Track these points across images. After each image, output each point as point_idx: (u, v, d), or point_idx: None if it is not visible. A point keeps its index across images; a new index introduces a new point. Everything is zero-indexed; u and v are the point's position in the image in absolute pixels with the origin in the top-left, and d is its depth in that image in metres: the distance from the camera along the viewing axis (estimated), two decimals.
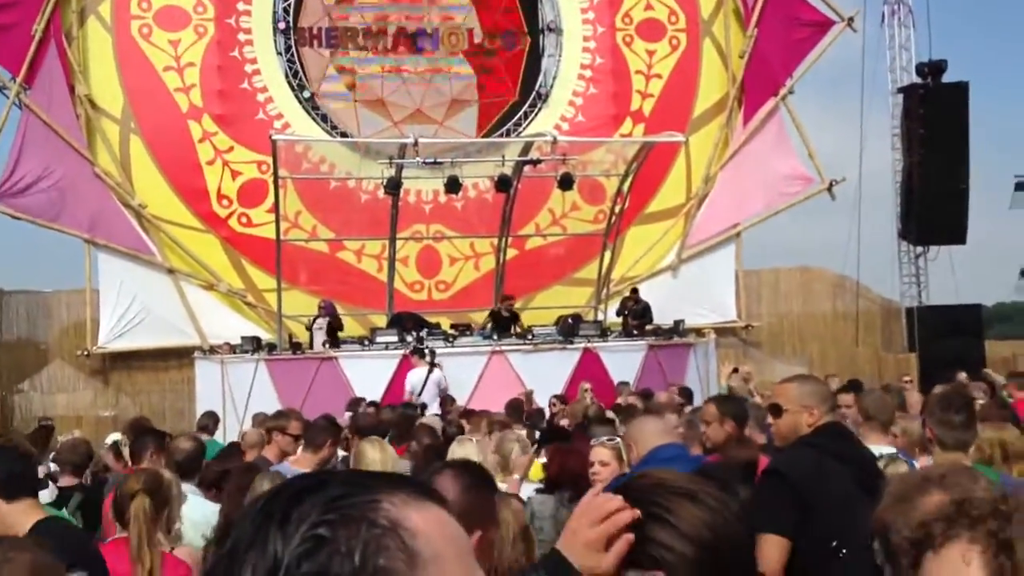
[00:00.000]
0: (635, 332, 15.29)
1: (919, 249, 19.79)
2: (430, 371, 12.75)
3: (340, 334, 15.08)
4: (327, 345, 14.12)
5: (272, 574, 0.79)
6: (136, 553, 3.55)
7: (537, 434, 7.96)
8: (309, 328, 14.55)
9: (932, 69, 18.99)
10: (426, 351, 13.11)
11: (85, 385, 16.67)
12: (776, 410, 3.90)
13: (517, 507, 3.32)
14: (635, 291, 16.44)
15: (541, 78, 18.62)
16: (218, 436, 9.95)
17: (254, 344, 14.25)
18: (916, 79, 19.21)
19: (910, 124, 18.92)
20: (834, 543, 3.42)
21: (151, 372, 16.74)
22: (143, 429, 6.26)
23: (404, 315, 15.06)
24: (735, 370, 8.13)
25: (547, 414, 10.60)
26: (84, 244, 16.48)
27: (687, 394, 11.14)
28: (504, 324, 14.96)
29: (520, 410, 9.60)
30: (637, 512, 1.41)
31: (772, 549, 3.41)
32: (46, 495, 4.99)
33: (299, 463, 5.75)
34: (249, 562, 0.81)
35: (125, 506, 3.69)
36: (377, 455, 4.53)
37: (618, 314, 15.92)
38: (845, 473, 3.59)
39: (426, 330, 14.44)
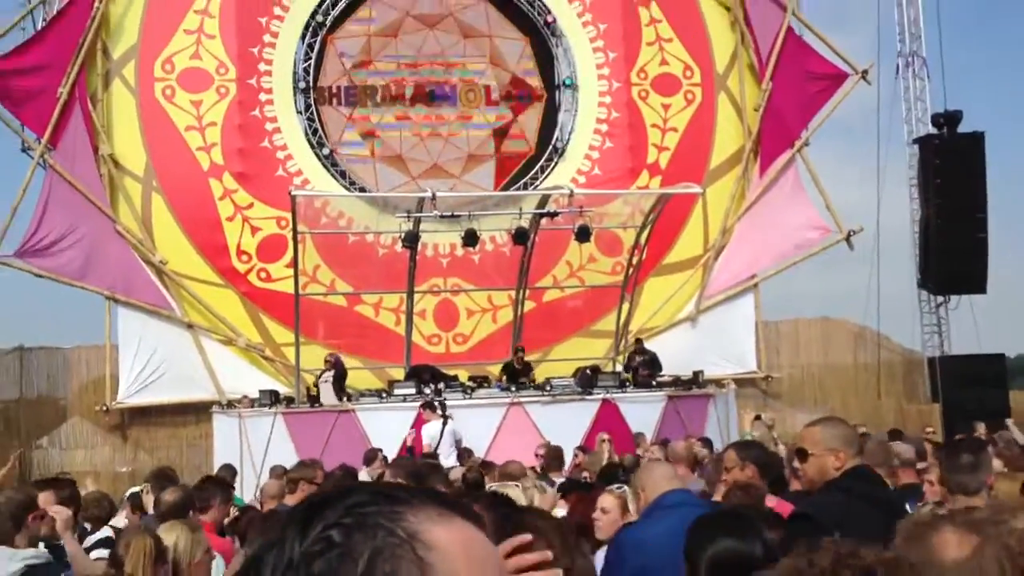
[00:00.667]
0: (652, 384, 15.16)
1: (940, 299, 19.65)
2: (444, 423, 12.68)
3: (355, 386, 15.07)
4: (341, 398, 14.10)
5: (285, 573, 0.81)
6: None
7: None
8: (316, 384, 14.50)
9: (948, 120, 19.05)
10: (436, 404, 13.05)
11: (103, 441, 16.69)
12: (803, 454, 3.84)
13: None
14: (639, 342, 16.28)
15: (558, 132, 18.81)
16: (236, 490, 9.90)
17: (272, 398, 14.25)
18: (932, 130, 19.27)
19: (926, 174, 18.93)
20: None
21: (169, 427, 16.75)
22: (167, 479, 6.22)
23: (421, 367, 15.04)
24: (758, 417, 8.05)
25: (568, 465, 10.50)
26: (105, 300, 16.63)
27: (708, 444, 11.01)
28: (517, 375, 14.93)
29: (560, 458, 9.59)
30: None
31: None
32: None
33: None
34: (269, 562, 0.82)
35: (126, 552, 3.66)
36: None
37: (626, 370, 15.77)
38: (874, 516, 3.53)
39: (443, 383, 14.40)
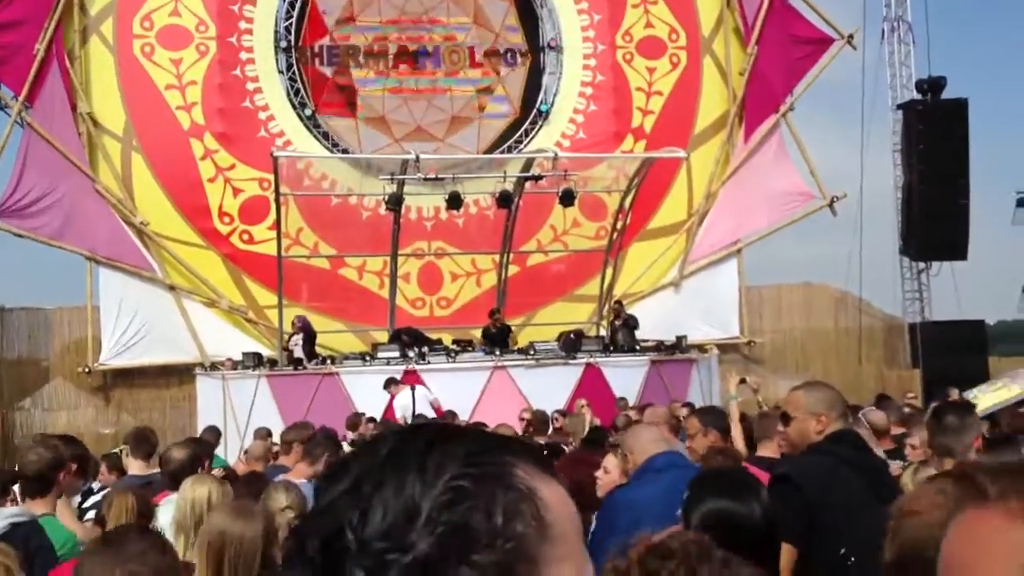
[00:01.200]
0: (636, 348, 15.21)
1: (921, 265, 19.78)
2: (413, 391, 12.70)
3: (339, 349, 15.09)
4: (312, 360, 14.12)
5: (410, 518, 0.78)
6: None
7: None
8: (286, 348, 14.48)
9: (931, 86, 19.06)
10: (391, 379, 13.07)
11: (86, 402, 16.63)
12: (785, 418, 3.88)
13: None
14: (619, 304, 16.29)
15: (542, 95, 18.68)
16: (219, 451, 9.90)
17: (255, 360, 14.23)
18: (916, 95, 19.27)
19: (909, 140, 18.97)
20: (843, 551, 3.38)
21: (152, 389, 16.70)
22: (143, 436, 6.20)
23: (403, 329, 15.05)
24: (742, 380, 8.08)
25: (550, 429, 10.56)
26: (86, 261, 16.48)
27: (691, 408, 11.09)
28: (496, 339, 14.96)
29: (545, 423, 9.64)
30: None
31: (782, 556, 3.37)
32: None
33: (296, 474, 5.72)
34: (380, 503, 0.79)
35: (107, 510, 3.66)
36: None
37: (611, 332, 15.80)
38: (857, 481, 3.55)
39: (426, 346, 14.42)
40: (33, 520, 4.09)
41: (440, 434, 0.84)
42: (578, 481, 5.00)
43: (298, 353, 14.13)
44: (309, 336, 14.52)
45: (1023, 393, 5.73)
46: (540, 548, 0.79)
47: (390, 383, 13.03)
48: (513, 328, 16.17)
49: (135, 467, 5.94)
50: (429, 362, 13.91)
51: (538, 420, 9.76)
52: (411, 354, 14.04)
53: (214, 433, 9.87)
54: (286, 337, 14.64)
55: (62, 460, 4.30)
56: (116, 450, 7.14)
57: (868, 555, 3.10)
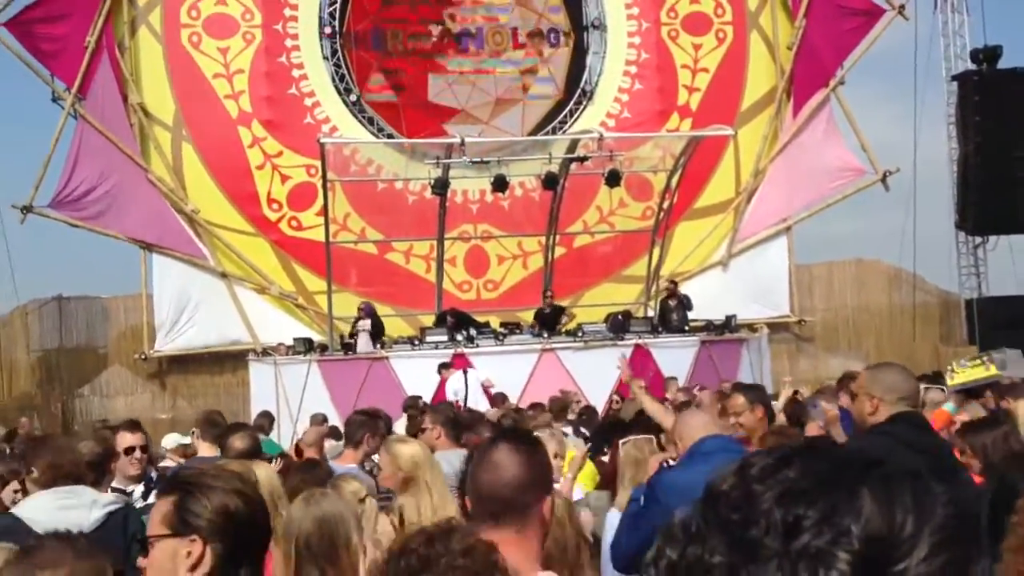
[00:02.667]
0: (685, 328, 15.07)
1: (977, 239, 19.34)
2: (466, 373, 12.74)
3: (388, 334, 15.17)
4: (376, 346, 14.20)
5: (838, 540, 0.75)
6: None
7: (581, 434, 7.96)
8: (353, 333, 14.56)
9: (987, 55, 18.55)
10: (450, 361, 13.13)
11: (143, 388, 17.02)
12: (852, 396, 3.92)
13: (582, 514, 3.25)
14: (673, 283, 16.12)
15: (586, 75, 18.53)
16: (273, 436, 10.05)
17: (306, 345, 14.39)
18: (971, 66, 18.78)
19: (965, 112, 18.50)
20: None
21: (206, 375, 17.02)
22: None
23: (447, 311, 15.06)
24: (795, 392, 8.00)
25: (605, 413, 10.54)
26: (140, 250, 16.79)
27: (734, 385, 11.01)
28: (549, 321, 14.92)
29: (565, 408, 9.60)
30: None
31: None
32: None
33: (344, 460, 5.76)
34: (808, 522, 0.76)
35: None
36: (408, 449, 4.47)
37: (662, 312, 15.66)
38: (916, 462, 3.50)
39: (471, 327, 14.43)
40: (129, 505, 4.18)
41: (868, 456, 0.86)
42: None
43: (363, 338, 14.17)
44: (377, 324, 14.61)
45: (998, 375, 5.61)
46: None
47: (443, 368, 13.10)
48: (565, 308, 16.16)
49: (204, 449, 6.02)
50: (478, 345, 13.94)
51: (557, 406, 9.68)
52: (459, 337, 14.08)
53: (267, 419, 10.00)
54: (351, 322, 14.73)
55: (111, 451, 4.41)
56: (184, 440, 7.30)
57: None
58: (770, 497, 0.78)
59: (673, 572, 0.80)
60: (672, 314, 15.29)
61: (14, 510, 3.68)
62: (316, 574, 2.96)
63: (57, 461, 3.64)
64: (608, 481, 5.18)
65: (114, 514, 3.73)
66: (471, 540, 1.86)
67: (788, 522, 0.76)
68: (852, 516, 0.76)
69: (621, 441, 4.88)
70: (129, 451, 5.34)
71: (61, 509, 3.51)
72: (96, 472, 4.24)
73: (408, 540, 1.86)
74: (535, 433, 4.00)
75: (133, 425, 5.87)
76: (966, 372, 5.90)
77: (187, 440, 7.62)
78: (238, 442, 5.24)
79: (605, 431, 7.35)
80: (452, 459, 5.02)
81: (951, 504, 0.79)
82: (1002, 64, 18.49)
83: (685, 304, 15.40)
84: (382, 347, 14.35)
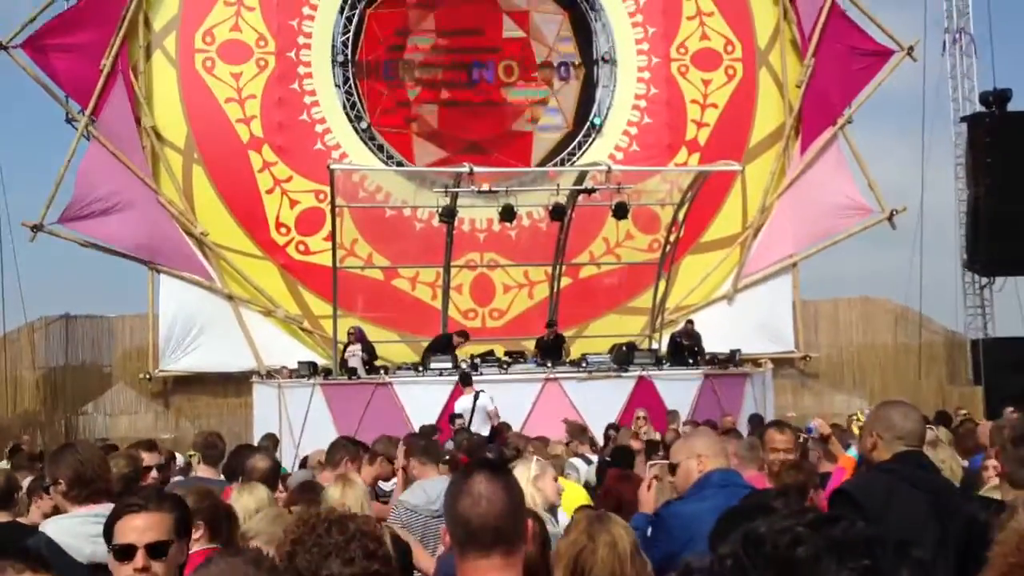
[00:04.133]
0: (689, 362, 15.07)
1: (984, 280, 19.34)
2: (476, 398, 12.75)
3: (392, 359, 15.19)
4: (366, 372, 14.22)
5: None
6: None
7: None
8: (343, 358, 14.57)
9: (997, 98, 18.66)
10: (468, 377, 13.13)
11: (147, 408, 17.03)
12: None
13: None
14: (690, 323, 16.10)
15: (595, 108, 18.67)
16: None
17: (310, 369, 14.41)
18: (979, 108, 18.89)
19: (975, 153, 18.58)
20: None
21: (211, 396, 17.02)
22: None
23: (437, 338, 15.02)
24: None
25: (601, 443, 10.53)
26: (148, 270, 16.87)
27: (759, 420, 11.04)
28: (551, 349, 14.95)
29: (583, 431, 9.62)
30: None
31: None
32: None
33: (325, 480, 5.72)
34: None
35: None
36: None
37: (672, 347, 15.64)
38: (919, 500, 3.49)
39: (472, 358, 14.42)
40: None
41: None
42: (618, 497, 4.92)
43: (354, 363, 14.23)
44: (368, 348, 14.63)
45: None
46: None
47: (465, 379, 13.09)
48: (566, 338, 16.16)
49: (203, 471, 6.02)
50: (482, 373, 13.94)
51: (576, 429, 9.72)
52: (463, 365, 14.09)
53: (272, 440, 9.99)
54: (341, 347, 14.78)
55: (139, 471, 4.51)
56: (187, 455, 7.32)
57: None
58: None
59: None
60: (683, 352, 15.27)
61: (43, 527, 3.51)
62: None
63: (85, 475, 3.55)
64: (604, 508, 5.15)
65: None
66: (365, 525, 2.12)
67: None
68: None
69: (649, 463, 4.87)
70: (146, 471, 5.39)
71: (93, 538, 3.28)
72: (125, 489, 4.25)
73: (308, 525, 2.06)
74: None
75: (151, 445, 5.91)
76: None
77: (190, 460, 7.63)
78: (260, 463, 5.26)
79: (621, 455, 7.36)
80: (427, 487, 5.02)
81: None
82: (1011, 107, 18.60)
83: (698, 342, 15.36)
84: (385, 372, 14.36)
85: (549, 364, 14.40)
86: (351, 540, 2.22)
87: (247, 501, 4.15)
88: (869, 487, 3.56)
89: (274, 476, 5.31)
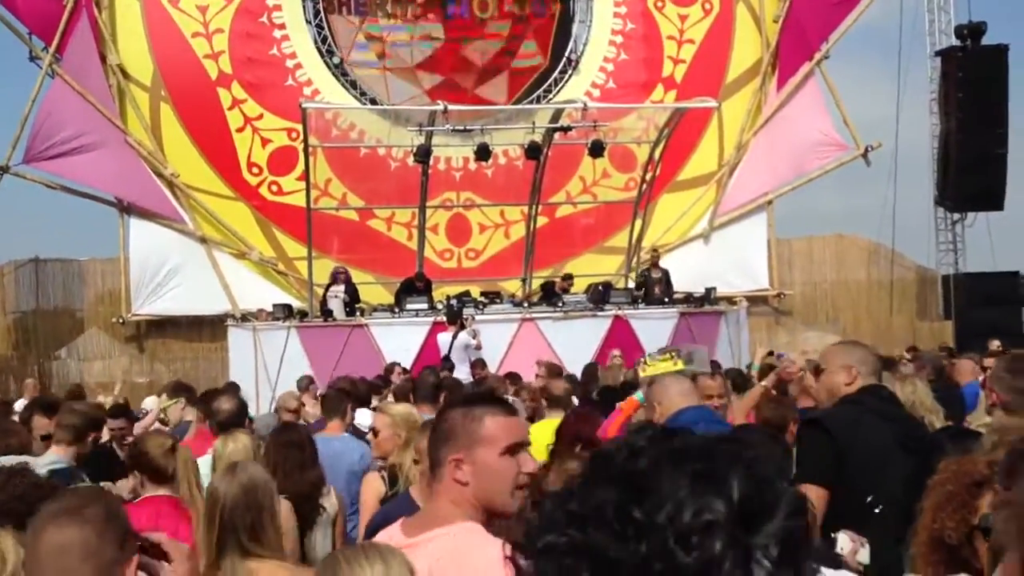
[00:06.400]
0: (665, 300, 15.16)
1: (956, 216, 19.47)
2: (456, 334, 12.82)
3: (368, 301, 15.15)
4: (357, 313, 14.19)
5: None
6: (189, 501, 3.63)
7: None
8: (323, 296, 14.50)
9: (971, 32, 18.54)
10: (455, 315, 13.17)
11: (120, 352, 16.90)
12: (817, 371, 3.97)
13: None
14: (655, 253, 16.21)
15: (571, 44, 18.40)
16: (251, 402, 10.03)
17: (286, 312, 14.35)
18: (955, 42, 18.79)
19: (948, 88, 18.53)
20: (869, 498, 3.41)
21: (185, 340, 16.92)
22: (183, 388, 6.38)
23: (410, 281, 15.00)
24: (770, 353, 8.10)
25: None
26: (118, 214, 16.61)
27: (716, 366, 11.09)
28: (549, 294, 15.07)
29: (558, 371, 9.69)
30: None
31: (811, 499, 3.38)
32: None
33: (331, 431, 5.79)
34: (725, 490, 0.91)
35: (166, 461, 3.73)
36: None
37: (638, 284, 15.76)
38: (886, 430, 3.60)
39: (453, 298, 14.43)
40: (71, 467, 4.24)
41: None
42: (577, 435, 4.83)
43: (334, 304, 14.14)
44: (351, 290, 14.57)
45: (683, 370, 5.80)
46: None
47: (450, 316, 13.11)
48: (541, 279, 16.20)
49: (191, 414, 6.14)
50: (463, 307, 13.96)
51: (551, 369, 9.83)
52: (439, 305, 14.10)
53: (233, 388, 10.00)
54: (321, 289, 14.68)
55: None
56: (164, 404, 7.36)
57: (894, 503, 3.11)
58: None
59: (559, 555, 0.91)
60: (654, 286, 15.37)
61: None
62: (236, 543, 2.97)
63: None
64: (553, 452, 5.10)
65: (56, 472, 3.81)
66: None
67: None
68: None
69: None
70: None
71: None
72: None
73: None
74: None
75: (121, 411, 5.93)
76: (656, 365, 6.19)
77: (153, 403, 7.63)
78: (225, 404, 5.31)
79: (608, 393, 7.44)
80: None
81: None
82: (986, 40, 18.50)
83: (668, 277, 15.49)
84: (361, 314, 14.33)
85: (526, 304, 14.44)
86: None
87: (231, 450, 4.16)
88: (839, 417, 3.64)
89: (240, 417, 5.33)
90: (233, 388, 9.88)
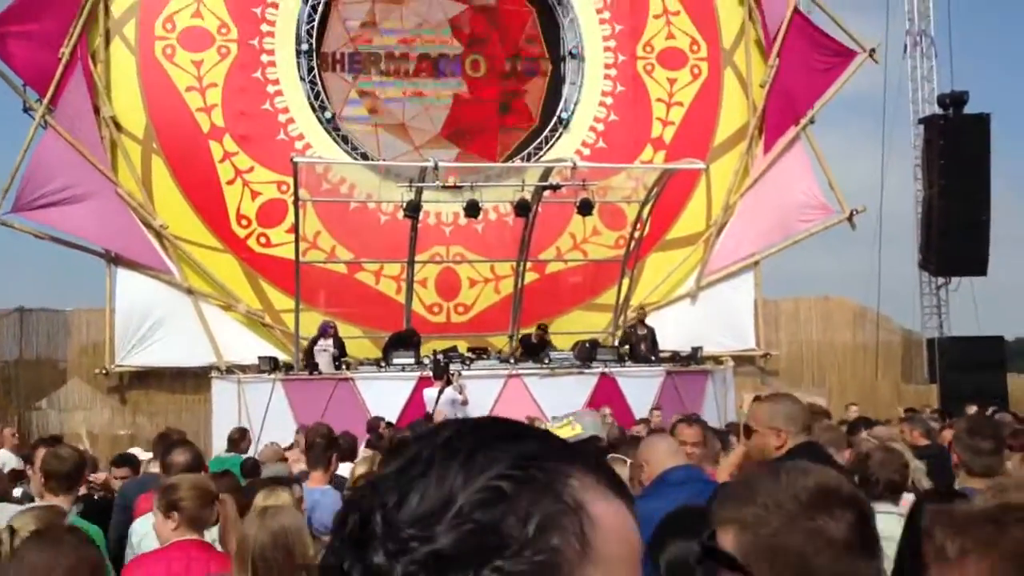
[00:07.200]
0: (651, 359, 15.17)
1: (940, 280, 19.64)
2: (442, 389, 12.75)
3: (355, 355, 15.09)
4: (343, 367, 14.11)
5: (443, 509, 0.76)
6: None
7: None
8: (309, 349, 14.43)
9: (954, 100, 18.93)
10: (440, 369, 13.12)
11: (103, 404, 16.69)
12: (748, 431, 3.78)
13: None
14: (642, 311, 16.27)
15: (562, 104, 18.67)
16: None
17: (271, 364, 14.25)
18: (938, 110, 19.15)
19: (931, 155, 18.84)
20: None
21: (168, 392, 16.74)
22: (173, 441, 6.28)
23: (403, 335, 14.98)
24: (757, 398, 8.06)
25: None
26: (105, 264, 16.56)
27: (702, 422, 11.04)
28: (532, 350, 15.01)
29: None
30: None
31: None
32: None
33: (313, 483, 5.72)
34: (420, 488, 0.77)
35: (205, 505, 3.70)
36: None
37: (623, 341, 15.78)
38: None
39: (440, 353, 14.39)
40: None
41: (503, 432, 0.82)
42: None
43: (322, 359, 14.06)
44: (339, 345, 14.52)
45: (584, 433, 5.89)
46: (577, 567, 0.76)
47: (436, 371, 13.04)
48: (527, 336, 16.18)
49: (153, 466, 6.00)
50: (449, 363, 13.91)
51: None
52: (426, 360, 14.05)
53: (241, 433, 9.92)
54: (307, 342, 14.61)
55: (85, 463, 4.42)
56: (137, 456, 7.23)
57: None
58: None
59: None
60: (640, 343, 15.39)
61: None
62: None
63: None
64: None
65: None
66: None
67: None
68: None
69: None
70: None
71: None
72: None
73: None
74: None
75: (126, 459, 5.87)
76: (556, 431, 6.25)
77: (148, 455, 7.53)
78: (179, 456, 5.19)
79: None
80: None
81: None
82: (968, 109, 18.88)
83: (654, 335, 15.52)
84: (347, 368, 14.26)
85: (512, 360, 14.40)
86: None
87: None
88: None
89: (196, 468, 5.22)
90: (240, 433, 9.79)
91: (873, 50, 18.64)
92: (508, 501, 0.76)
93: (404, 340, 14.62)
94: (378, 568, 0.76)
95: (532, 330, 16.21)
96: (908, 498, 4.86)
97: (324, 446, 5.75)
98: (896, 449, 4.84)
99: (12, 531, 2.88)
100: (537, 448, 0.80)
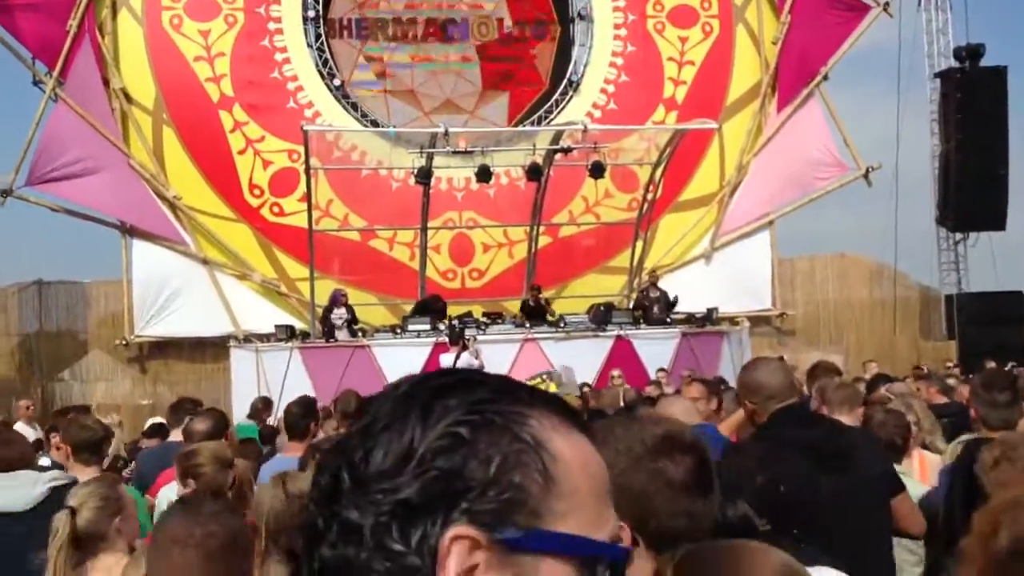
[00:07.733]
0: (666, 321, 15.14)
1: (958, 236, 19.49)
2: (457, 356, 12.81)
3: (370, 322, 15.16)
4: (360, 334, 14.18)
5: (405, 460, 0.78)
6: None
7: None
8: (325, 317, 14.45)
9: (970, 53, 18.67)
10: (455, 335, 13.17)
11: (123, 374, 16.88)
12: (739, 399, 3.81)
13: None
14: (653, 275, 16.18)
15: (572, 67, 18.50)
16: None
17: (288, 332, 14.34)
18: (954, 63, 18.89)
19: (947, 109, 18.63)
20: (795, 531, 3.27)
21: (187, 362, 16.91)
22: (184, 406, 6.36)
23: (429, 299, 15.04)
24: (780, 359, 8.02)
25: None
26: (121, 235, 16.64)
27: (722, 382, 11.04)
28: (534, 313, 14.97)
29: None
30: None
31: None
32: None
33: (289, 451, 5.60)
34: (383, 443, 0.80)
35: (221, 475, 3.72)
36: None
37: (636, 305, 15.71)
38: (798, 461, 3.31)
39: (455, 319, 14.42)
40: (75, 482, 4.20)
41: (459, 380, 0.84)
42: None
43: (340, 326, 14.14)
44: (352, 315, 14.58)
45: (559, 392, 5.81)
46: (542, 501, 0.78)
47: (452, 336, 13.09)
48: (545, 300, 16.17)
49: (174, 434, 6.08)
50: (464, 328, 13.95)
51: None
52: (441, 326, 14.10)
53: (264, 402, 10.04)
54: (321, 310, 14.68)
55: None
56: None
57: (819, 531, 2.97)
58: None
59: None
60: (652, 305, 15.34)
61: None
62: (280, 552, 2.97)
63: None
64: None
65: (58, 489, 3.76)
66: None
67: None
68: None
69: None
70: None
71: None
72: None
73: None
74: None
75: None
76: None
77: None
78: (199, 425, 5.25)
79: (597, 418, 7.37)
80: None
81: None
82: (984, 62, 18.61)
83: (667, 303, 15.41)
84: (363, 335, 14.33)
85: (527, 324, 14.42)
86: None
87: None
88: (743, 464, 3.28)
89: (217, 436, 5.23)
90: (264, 402, 9.90)
91: (887, 4, 18.36)
92: (467, 445, 0.78)
93: (429, 306, 14.65)
94: (351, 523, 0.79)
95: (552, 295, 16.21)
96: (929, 456, 4.84)
97: (300, 415, 5.60)
98: (896, 410, 4.81)
99: (72, 512, 2.91)
100: (491, 393, 0.82)
